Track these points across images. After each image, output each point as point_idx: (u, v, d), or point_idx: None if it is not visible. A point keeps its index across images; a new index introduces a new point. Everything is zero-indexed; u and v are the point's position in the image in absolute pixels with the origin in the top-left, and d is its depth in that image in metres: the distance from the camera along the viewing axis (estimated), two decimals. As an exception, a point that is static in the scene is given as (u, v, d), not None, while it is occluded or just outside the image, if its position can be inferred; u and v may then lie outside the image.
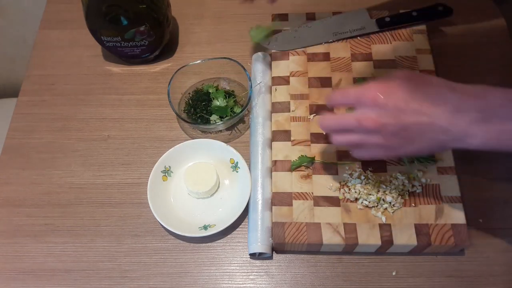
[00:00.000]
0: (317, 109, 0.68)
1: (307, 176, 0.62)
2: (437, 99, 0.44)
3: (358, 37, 0.74)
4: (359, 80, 0.68)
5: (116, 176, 0.69)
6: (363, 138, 0.48)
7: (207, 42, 0.81)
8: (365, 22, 0.74)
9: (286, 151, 0.64)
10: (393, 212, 0.59)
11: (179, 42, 0.82)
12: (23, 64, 0.85)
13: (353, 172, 0.62)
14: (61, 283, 0.61)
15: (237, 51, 0.79)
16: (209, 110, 0.71)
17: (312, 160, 0.63)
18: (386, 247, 0.58)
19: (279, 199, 0.61)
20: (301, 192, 0.61)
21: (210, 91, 0.72)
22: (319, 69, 0.71)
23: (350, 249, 0.59)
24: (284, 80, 0.71)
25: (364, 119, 0.46)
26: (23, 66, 0.82)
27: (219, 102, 0.70)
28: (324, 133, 0.65)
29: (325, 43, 0.73)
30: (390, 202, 0.59)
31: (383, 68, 0.70)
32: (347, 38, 0.74)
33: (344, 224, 0.58)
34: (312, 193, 0.61)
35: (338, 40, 0.73)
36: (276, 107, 0.69)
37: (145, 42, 0.75)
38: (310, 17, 0.77)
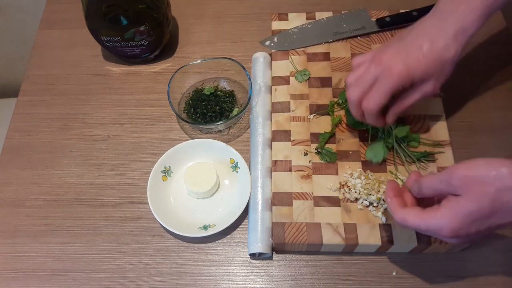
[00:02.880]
0: (317, 109, 0.67)
1: (307, 176, 0.62)
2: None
3: (359, 37, 0.74)
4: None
5: (116, 176, 0.69)
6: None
7: (207, 42, 0.81)
8: (365, 22, 0.74)
9: (286, 151, 0.64)
10: (393, 212, 0.59)
11: (179, 42, 0.82)
12: (23, 64, 0.85)
13: (353, 172, 0.62)
14: (61, 283, 0.61)
15: (237, 51, 0.79)
16: (210, 110, 0.71)
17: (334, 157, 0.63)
18: (386, 247, 0.58)
19: (279, 199, 0.61)
20: (301, 192, 0.61)
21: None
22: (319, 69, 0.71)
23: (350, 249, 0.59)
24: (284, 80, 0.71)
25: (448, 242, 0.47)
26: (23, 66, 0.82)
27: None
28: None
29: (325, 43, 0.73)
30: (390, 202, 0.58)
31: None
32: (347, 38, 0.74)
33: (344, 224, 0.58)
34: (312, 193, 0.61)
35: (338, 40, 0.73)
36: (276, 107, 0.69)
37: (145, 42, 0.75)
38: (310, 17, 0.77)
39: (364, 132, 0.65)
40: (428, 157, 0.62)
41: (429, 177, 0.49)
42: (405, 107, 0.56)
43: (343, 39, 0.73)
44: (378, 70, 0.53)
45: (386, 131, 0.63)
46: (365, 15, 0.75)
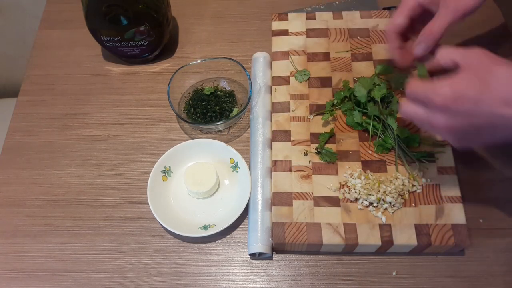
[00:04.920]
0: (317, 109, 0.68)
1: (307, 176, 0.62)
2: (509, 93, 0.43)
3: (359, 37, 0.74)
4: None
5: (116, 176, 0.69)
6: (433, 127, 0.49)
7: (207, 42, 0.81)
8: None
9: (286, 151, 0.64)
10: (393, 212, 0.59)
11: (179, 42, 0.82)
12: (23, 64, 0.85)
13: (353, 172, 0.62)
14: (61, 283, 0.61)
15: (237, 51, 0.79)
16: (210, 110, 0.71)
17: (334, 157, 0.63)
18: (386, 247, 0.58)
19: (279, 199, 0.61)
20: (301, 192, 0.61)
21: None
22: (319, 69, 0.71)
23: (350, 249, 0.59)
24: (284, 80, 0.71)
25: (435, 122, 0.47)
26: (23, 66, 0.82)
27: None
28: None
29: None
30: (390, 202, 0.59)
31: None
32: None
33: (344, 224, 0.58)
34: (312, 193, 0.61)
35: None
36: (276, 107, 0.69)
37: (145, 42, 0.75)
38: (310, 17, 0.77)
39: (364, 132, 0.65)
40: (428, 157, 0.62)
41: (448, 46, 0.50)
42: (435, 30, 0.54)
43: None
44: None
45: (387, 131, 0.63)
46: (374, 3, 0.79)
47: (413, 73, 0.53)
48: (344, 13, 0.76)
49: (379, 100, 0.64)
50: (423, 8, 0.55)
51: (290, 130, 0.66)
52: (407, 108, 0.50)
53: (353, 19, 0.75)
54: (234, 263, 0.62)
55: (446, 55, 0.49)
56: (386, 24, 0.61)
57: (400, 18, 0.56)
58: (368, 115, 0.65)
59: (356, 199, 0.60)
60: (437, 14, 0.54)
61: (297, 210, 0.60)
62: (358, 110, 0.65)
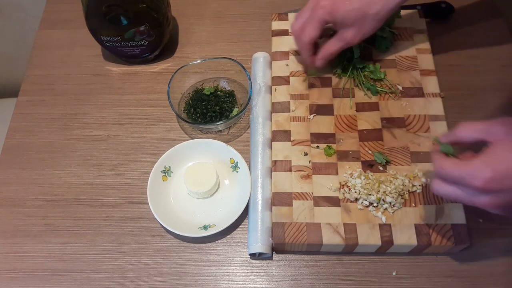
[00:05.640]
0: (317, 109, 0.68)
1: (307, 176, 0.62)
2: None
3: (358, 37, 0.74)
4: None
5: (116, 176, 0.69)
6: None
7: (207, 42, 0.81)
8: None
9: (286, 151, 0.64)
10: (393, 212, 0.59)
11: (179, 42, 0.82)
12: (23, 64, 0.85)
13: (353, 172, 0.62)
14: (61, 283, 0.61)
15: (237, 51, 0.79)
16: (210, 110, 0.71)
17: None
18: (386, 247, 0.58)
19: (279, 199, 0.61)
20: (301, 192, 0.61)
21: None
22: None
23: (350, 249, 0.60)
24: (284, 80, 0.71)
25: (478, 202, 0.46)
26: (23, 66, 0.82)
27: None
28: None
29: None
30: (390, 202, 0.59)
31: (383, 68, 0.70)
32: None
33: (344, 224, 0.58)
34: (312, 193, 0.61)
35: None
36: (276, 107, 0.69)
37: (145, 42, 0.75)
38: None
39: (363, 131, 0.65)
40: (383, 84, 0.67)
41: (467, 123, 0.49)
42: (330, 51, 0.64)
43: None
44: (311, 5, 0.62)
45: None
46: None
47: (436, 149, 0.51)
48: None
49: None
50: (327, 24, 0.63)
51: (290, 130, 0.66)
52: (442, 189, 0.49)
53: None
54: (234, 263, 0.62)
55: (468, 133, 0.48)
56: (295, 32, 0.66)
57: (315, 32, 0.62)
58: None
59: (356, 199, 0.60)
60: (334, 38, 0.64)
61: (297, 210, 0.60)
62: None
